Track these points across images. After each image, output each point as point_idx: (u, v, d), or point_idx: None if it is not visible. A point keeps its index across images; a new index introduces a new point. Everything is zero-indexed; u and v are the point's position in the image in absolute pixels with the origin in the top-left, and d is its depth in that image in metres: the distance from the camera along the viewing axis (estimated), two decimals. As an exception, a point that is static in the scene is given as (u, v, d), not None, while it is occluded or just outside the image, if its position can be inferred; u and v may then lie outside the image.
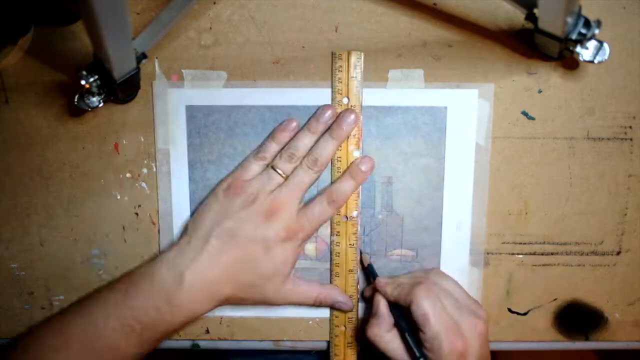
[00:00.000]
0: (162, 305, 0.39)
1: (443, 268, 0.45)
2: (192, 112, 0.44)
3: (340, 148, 0.43)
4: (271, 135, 0.43)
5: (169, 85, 0.43)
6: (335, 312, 0.45)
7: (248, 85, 0.43)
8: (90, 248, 0.45)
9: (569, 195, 0.44)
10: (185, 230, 0.42)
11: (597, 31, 0.37)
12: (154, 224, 0.45)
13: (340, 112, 0.43)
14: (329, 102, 0.43)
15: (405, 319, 0.39)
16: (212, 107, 0.44)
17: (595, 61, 0.39)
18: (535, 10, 0.38)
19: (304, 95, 0.43)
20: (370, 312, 0.42)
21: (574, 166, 0.44)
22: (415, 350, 0.38)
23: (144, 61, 0.40)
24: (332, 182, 0.43)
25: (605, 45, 0.39)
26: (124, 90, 0.42)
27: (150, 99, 0.44)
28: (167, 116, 0.44)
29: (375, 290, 0.42)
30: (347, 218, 0.44)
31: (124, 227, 0.45)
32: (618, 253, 0.45)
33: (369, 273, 0.44)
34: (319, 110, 0.43)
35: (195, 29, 0.43)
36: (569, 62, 0.43)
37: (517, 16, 0.42)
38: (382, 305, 0.41)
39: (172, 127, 0.44)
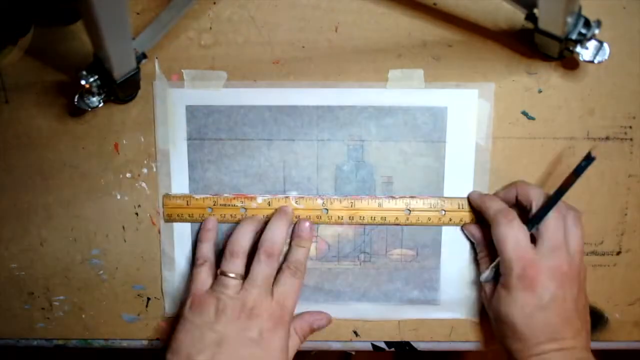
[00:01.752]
0: None
1: (443, 268, 0.45)
2: (192, 112, 0.44)
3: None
4: (198, 239, 0.43)
5: (169, 85, 0.43)
6: None
7: (248, 85, 0.43)
8: (90, 248, 0.45)
9: (569, 195, 0.44)
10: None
11: (597, 31, 0.37)
12: (154, 224, 0.45)
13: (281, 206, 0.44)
14: (329, 103, 0.43)
15: None
16: (212, 107, 0.44)
17: (595, 61, 0.39)
18: (535, 10, 0.38)
19: (304, 95, 0.43)
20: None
21: (574, 166, 0.44)
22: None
23: (144, 61, 0.40)
24: (285, 256, 0.43)
25: (605, 45, 0.39)
26: (124, 90, 0.42)
27: (150, 99, 0.44)
28: (167, 116, 0.44)
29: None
30: None
31: (124, 227, 0.45)
32: (618, 253, 0.45)
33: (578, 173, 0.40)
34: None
35: (195, 29, 0.43)
36: (569, 62, 0.43)
37: (517, 16, 0.42)
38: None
39: (172, 127, 0.44)
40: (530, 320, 0.38)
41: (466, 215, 0.44)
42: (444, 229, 0.44)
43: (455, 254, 0.45)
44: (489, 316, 0.42)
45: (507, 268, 0.38)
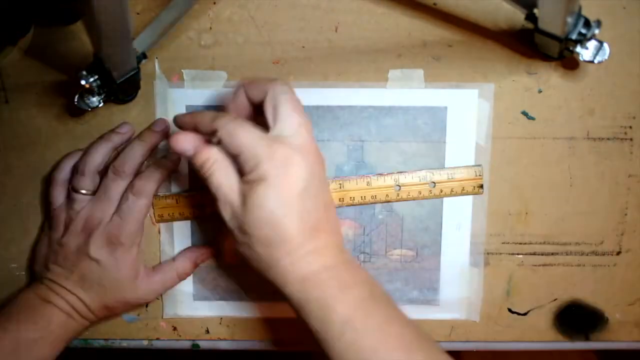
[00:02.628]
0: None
1: (443, 268, 0.45)
2: (192, 112, 0.44)
3: None
4: (64, 158, 0.43)
5: (169, 85, 0.43)
6: None
7: (248, 85, 0.43)
8: (90, 248, 0.45)
9: (569, 195, 0.44)
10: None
11: (597, 31, 0.37)
12: (154, 224, 0.45)
13: (154, 121, 0.43)
14: (329, 103, 0.43)
15: None
16: (212, 107, 0.44)
17: (595, 61, 0.39)
18: (535, 10, 0.38)
19: (304, 95, 0.43)
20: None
21: (574, 166, 0.44)
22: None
23: (144, 61, 0.40)
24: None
25: (605, 45, 0.39)
26: (124, 90, 0.42)
27: (150, 99, 0.44)
28: (167, 116, 0.44)
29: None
30: None
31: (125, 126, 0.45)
32: (618, 253, 0.45)
33: None
34: (119, 125, 0.43)
35: (195, 29, 0.43)
36: (569, 62, 0.43)
37: (517, 16, 0.42)
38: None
39: (172, 127, 0.44)
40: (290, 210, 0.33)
41: (456, 186, 0.43)
42: (444, 229, 0.44)
43: (455, 254, 0.45)
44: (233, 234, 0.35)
45: (252, 159, 0.33)
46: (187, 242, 0.45)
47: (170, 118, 0.44)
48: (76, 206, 0.41)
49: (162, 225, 0.45)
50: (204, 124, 0.36)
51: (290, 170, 0.33)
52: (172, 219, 0.44)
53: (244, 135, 0.34)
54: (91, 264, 0.40)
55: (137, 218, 0.41)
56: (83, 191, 0.41)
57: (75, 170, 0.42)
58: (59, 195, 0.42)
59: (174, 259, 0.44)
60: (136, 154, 0.41)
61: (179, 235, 0.45)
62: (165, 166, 0.42)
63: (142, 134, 0.42)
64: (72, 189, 0.41)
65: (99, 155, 0.41)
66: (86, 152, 0.42)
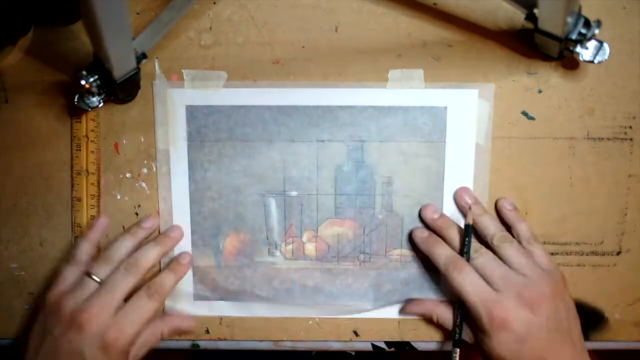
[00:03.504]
0: None
1: (443, 268, 0.45)
2: (192, 112, 0.44)
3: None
4: (82, 235, 0.43)
5: (169, 85, 0.43)
6: None
7: (248, 85, 0.43)
8: (90, 248, 0.45)
9: (569, 195, 0.44)
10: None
11: (597, 31, 0.37)
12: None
13: (169, 227, 0.44)
14: (329, 103, 0.43)
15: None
16: (212, 107, 0.44)
17: (595, 61, 0.39)
18: (535, 10, 0.38)
19: (304, 95, 0.43)
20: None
21: (574, 166, 0.44)
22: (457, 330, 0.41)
23: (144, 61, 0.40)
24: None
25: (605, 45, 0.39)
26: (124, 90, 0.42)
27: (150, 99, 0.44)
28: (167, 116, 0.44)
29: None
30: None
31: (124, 227, 0.45)
32: (618, 253, 0.45)
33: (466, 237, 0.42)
34: (143, 218, 0.44)
35: (195, 29, 0.43)
36: (569, 62, 0.43)
37: (517, 16, 0.42)
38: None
39: (172, 127, 0.44)
40: (519, 354, 0.38)
41: None
42: (444, 229, 0.44)
43: (455, 254, 0.45)
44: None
45: (476, 314, 0.39)
46: (187, 243, 0.45)
47: (170, 118, 0.44)
48: (80, 294, 0.39)
49: (162, 226, 0.45)
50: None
51: (509, 327, 0.39)
52: None
53: None
54: None
55: (143, 321, 0.40)
56: (96, 278, 0.40)
57: (97, 256, 0.41)
58: (70, 279, 0.41)
59: (153, 322, 0.42)
60: (151, 255, 0.42)
61: None
62: (181, 272, 0.43)
63: (158, 239, 0.43)
64: (86, 273, 0.40)
65: (124, 249, 0.41)
66: (113, 243, 0.42)
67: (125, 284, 0.40)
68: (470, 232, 0.41)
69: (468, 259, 0.40)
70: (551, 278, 0.39)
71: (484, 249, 0.41)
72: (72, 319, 0.38)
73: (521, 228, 0.42)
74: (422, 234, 0.43)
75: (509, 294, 0.38)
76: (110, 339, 0.38)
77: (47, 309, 0.40)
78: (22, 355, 0.40)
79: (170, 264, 0.43)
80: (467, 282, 0.39)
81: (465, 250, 0.41)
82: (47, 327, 0.39)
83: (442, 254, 0.41)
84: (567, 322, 0.39)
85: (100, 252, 0.42)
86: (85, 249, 0.42)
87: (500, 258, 0.40)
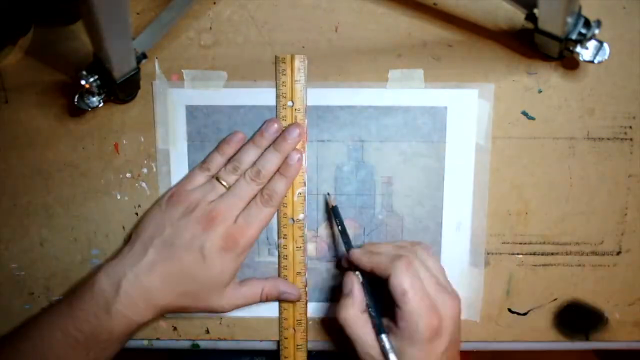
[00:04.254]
0: (100, 314, 0.38)
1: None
2: (192, 112, 0.44)
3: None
4: (217, 148, 0.43)
5: (169, 85, 0.43)
6: (284, 314, 0.45)
7: (248, 85, 0.43)
8: (90, 248, 0.45)
9: (569, 195, 0.44)
10: (128, 238, 0.43)
11: (597, 31, 0.37)
12: (154, 224, 0.45)
13: (286, 127, 0.43)
14: (329, 103, 0.43)
15: (376, 293, 0.38)
16: (212, 107, 0.44)
17: (595, 61, 0.39)
18: (535, 10, 0.38)
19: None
20: (341, 291, 0.40)
21: (574, 166, 0.44)
22: (378, 324, 0.37)
23: (144, 61, 0.40)
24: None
25: (605, 45, 0.39)
26: (124, 90, 0.42)
27: (150, 99, 0.44)
28: (167, 116, 0.44)
29: (348, 263, 0.41)
30: (293, 221, 0.44)
31: (124, 227, 0.45)
32: (618, 253, 0.45)
33: (335, 216, 0.43)
34: (264, 124, 0.43)
35: (195, 29, 0.43)
36: (569, 62, 0.43)
37: (517, 16, 0.42)
38: (355, 283, 0.39)
39: (172, 127, 0.44)
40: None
41: None
42: (444, 229, 0.44)
43: (455, 254, 0.45)
44: None
45: (413, 321, 0.36)
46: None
47: (170, 117, 0.44)
48: (209, 195, 0.41)
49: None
50: (379, 270, 0.38)
51: (442, 335, 0.37)
52: None
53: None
54: (194, 256, 0.40)
55: (261, 226, 0.42)
56: (224, 183, 0.42)
57: (227, 162, 0.42)
58: (199, 182, 0.42)
59: (265, 278, 0.44)
60: (273, 163, 0.42)
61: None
62: (290, 173, 0.43)
63: (277, 143, 0.43)
64: (215, 177, 0.42)
65: (249, 158, 0.42)
66: (242, 151, 0.43)
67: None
68: (339, 213, 0.43)
69: (348, 244, 0.41)
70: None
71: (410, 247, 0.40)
72: (200, 215, 0.40)
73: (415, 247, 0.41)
74: (358, 251, 0.40)
75: (441, 303, 0.37)
76: (230, 239, 0.40)
77: (172, 200, 0.42)
78: (132, 241, 0.41)
79: (280, 167, 0.43)
80: (416, 283, 0.37)
81: (340, 229, 0.42)
82: (170, 217, 0.41)
83: (388, 255, 0.39)
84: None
85: (228, 162, 0.43)
86: (217, 160, 0.43)
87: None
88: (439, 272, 0.40)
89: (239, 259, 0.41)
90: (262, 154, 0.43)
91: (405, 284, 0.36)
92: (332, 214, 0.43)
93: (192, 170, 0.44)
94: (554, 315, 0.46)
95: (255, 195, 0.42)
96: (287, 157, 0.43)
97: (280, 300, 0.45)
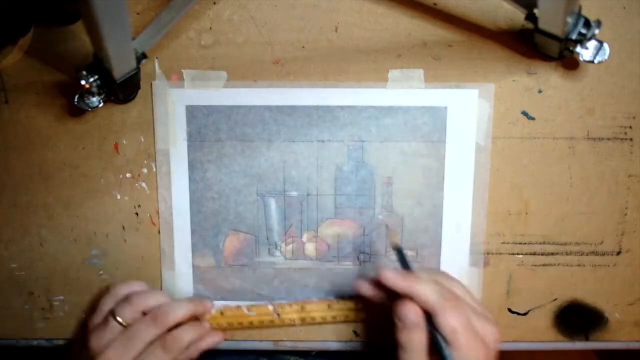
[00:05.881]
0: None
1: (443, 268, 0.45)
2: (192, 112, 0.44)
3: None
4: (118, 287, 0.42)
5: (169, 85, 0.43)
6: None
7: (248, 85, 0.43)
8: (90, 248, 0.45)
9: (569, 195, 0.44)
10: None
11: (597, 31, 0.37)
12: (154, 224, 0.45)
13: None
14: (329, 103, 0.43)
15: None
16: (212, 107, 0.44)
17: (595, 61, 0.39)
18: (535, 10, 0.38)
19: (304, 95, 0.43)
20: (395, 314, 0.37)
21: (574, 166, 0.44)
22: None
23: (144, 61, 0.40)
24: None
25: (605, 45, 0.39)
26: (124, 90, 0.42)
27: (150, 99, 0.44)
28: (167, 116, 0.44)
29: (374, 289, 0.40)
30: None
31: (124, 227, 0.45)
32: (618, 253, 0.45)
33: (399, 260, 0.40)
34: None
35: (195, 29, 0.43)
36: (569, 62, 0.43)
37: (517, 16, 0.42)
38: (418, 312, 0.37)
39: (172, 127, 0.44)
40: None
41: None
42: (444, 229, 0.44)
43: (455, 254, 0.45)
44: None
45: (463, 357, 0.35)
46: (187, 243, 0.45)
47: (170, 117, 0.44)
48: (104, 334, 0.39)
49: (162, 226, 0.45)
50: (421, 301, 0.36)
51: None
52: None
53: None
54: None
55: None
56: (119, 319, 0.39)
57: (125, 298, 0.41)
58: (98, 314, 0.41)
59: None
60: (181, 311, 0.40)
61: (179, 236, 0.45)
62: (200, 331, 0.42)
63: (192, 299, 0.42)
64: (110, 312, 0.40)
65: (153, 299, 0.41)
66: (144, 288, 0.41)
67: (147, 334, 0.39)
68: (405, 253, 0.40)
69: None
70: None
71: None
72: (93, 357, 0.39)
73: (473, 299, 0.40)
74: (393, 273, 0.38)
75: (485, 333, 0.37)
76: None
77: (85, 342, 0.40)
78: None
79: (194, 320, 0.42)
80: (463, 323, 0.36)
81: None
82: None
83: (430, 291, 0.37)
84: None
85: (129, 295, 0.41)
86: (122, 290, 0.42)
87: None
88: (473, 300, 0.39)
89: None
90: (175, 301, 0.41)
91: (456, 325, 0.35)
92: (396, 255, 0.41)
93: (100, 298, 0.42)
94: (554, 315, 0.46)
95: (155, 341, 0.39)
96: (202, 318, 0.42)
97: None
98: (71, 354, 0.41)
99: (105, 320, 0.40)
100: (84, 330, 0.41)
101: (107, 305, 0.41)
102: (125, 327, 0.39)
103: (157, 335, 0.39)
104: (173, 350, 0.39)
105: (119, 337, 0.39)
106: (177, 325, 0.41)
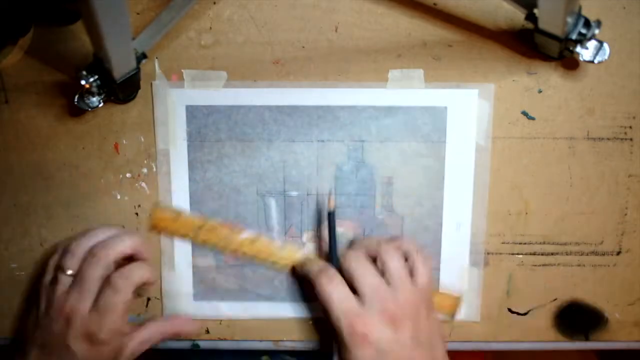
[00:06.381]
0: None
1: (443, 268, 0.45)
2: (192, 112, 0.44)
3: None
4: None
5: (169, 85, 0.43)
6: None
7: (248, 85, 0.43)
8: (90, 248, 0.45)
9: (569, 195, 0.44)
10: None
11: (597, 31, 0.37)
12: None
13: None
14: (329, 103, 0.43)
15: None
16: (212, 107, 0.44)
17: (595, 61, 0.39)
18: (535, 10, 0.38)
19: (304, 95, 0.43)
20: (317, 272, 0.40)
21: (574, 166, 0.44)
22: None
23: (144, 61, 0.40)
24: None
25: (605, 45, 0.39)
26: (124, 90, 0.42)
27: (150, 99, 0.44)
28: (167, 116, 0.44)
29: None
30: None
31: (124, 227, 0.45)
32: (618, 253, 0.45)
33: (330, 223, 0.42)
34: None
35: (195, 29, 0.43)
36: (569, 62, 0.43)
37: (517, 16, 0.42)
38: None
39: (172, 127, 0.44)
40: None
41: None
42: (444, 229, 0.44)
43: (455, 254, 0.45)
44: None
45: (337, 327, 0.37)
46: (187, 243, 0.45)
47: (170, 117, 0.44)
48: (58, 288, 0.38)
49: (162, 225, 0.45)
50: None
51: (370, 343, 0.37)
52: (165, 233, 0.44)
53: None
54: (70, 355, 0.37)
55: (116, 314, 0.38)
56: (69, 272, 0.39)
57: (66, 249, 0.40)
58: (49, 272, 0.40)
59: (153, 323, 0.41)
60: (122, 245, 0.39)
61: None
62: (148, 269, 0.40)
63: (135, 233, 0.42)
64: (57, 268, 0.39)
65: (92, 239, 0.40)
66: (82, 233, 0.41)
67: (93, 273, 0.38)
68: (334, 220, 0.42)
69: (333, 247, 0.41)
70: (421, 296, 0.39)
71: (358, 251, 0.40)
72: (56, 312, 0.38)
73: (407, 240, 0.41)
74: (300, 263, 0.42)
75: (373, 310, 0.37)
76: (89, 334, 0.37)
77: (37, 298, 0.40)
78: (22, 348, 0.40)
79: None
80: (335, 293, 0.38)
81: (330, 236, 0.42)
82: (38, 316, 0.39)
83: (314, 267, 0.40)
84: (429, 341, 0.38)
85: (68, 245, 0.40)
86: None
87: (380, 263, 0.39)
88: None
89: (113, 344, 0.38)
90: (116, 235, 0.40)
91: (326, 293, 0.38)
92: (328, 218, 0.42)
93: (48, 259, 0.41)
94: (554, 315, 0.46)
95: (104, 282, 0.38)
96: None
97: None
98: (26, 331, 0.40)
99: (55, 278, 0.39)
100: (36, 292, 0.40)
101: (53, 261, 0.41)
102: (74, 275, 0.39)
103: (104, 272, 0.38)
104: (122, 289, 0.38)
105: (73, 286, 0.38)
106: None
